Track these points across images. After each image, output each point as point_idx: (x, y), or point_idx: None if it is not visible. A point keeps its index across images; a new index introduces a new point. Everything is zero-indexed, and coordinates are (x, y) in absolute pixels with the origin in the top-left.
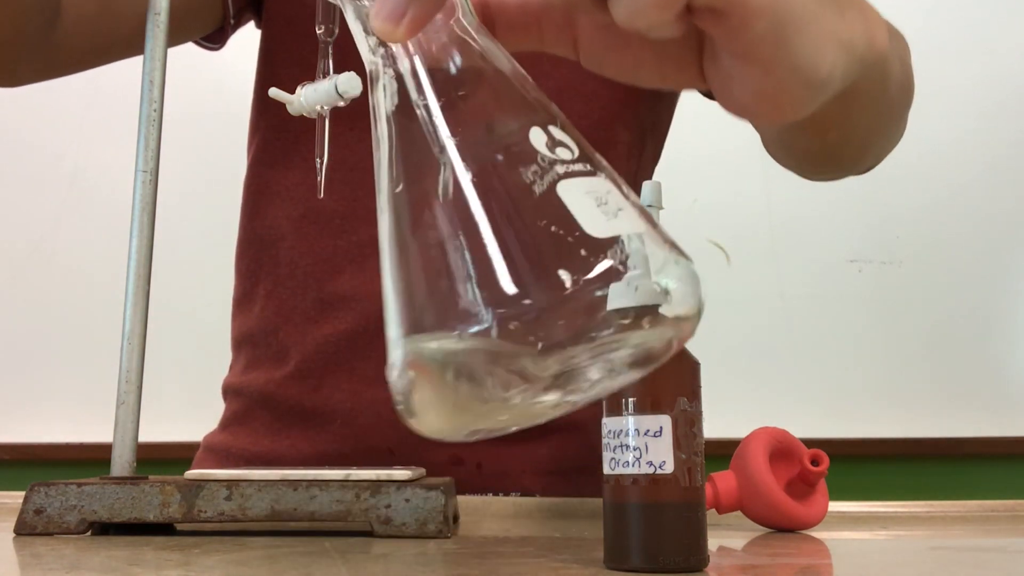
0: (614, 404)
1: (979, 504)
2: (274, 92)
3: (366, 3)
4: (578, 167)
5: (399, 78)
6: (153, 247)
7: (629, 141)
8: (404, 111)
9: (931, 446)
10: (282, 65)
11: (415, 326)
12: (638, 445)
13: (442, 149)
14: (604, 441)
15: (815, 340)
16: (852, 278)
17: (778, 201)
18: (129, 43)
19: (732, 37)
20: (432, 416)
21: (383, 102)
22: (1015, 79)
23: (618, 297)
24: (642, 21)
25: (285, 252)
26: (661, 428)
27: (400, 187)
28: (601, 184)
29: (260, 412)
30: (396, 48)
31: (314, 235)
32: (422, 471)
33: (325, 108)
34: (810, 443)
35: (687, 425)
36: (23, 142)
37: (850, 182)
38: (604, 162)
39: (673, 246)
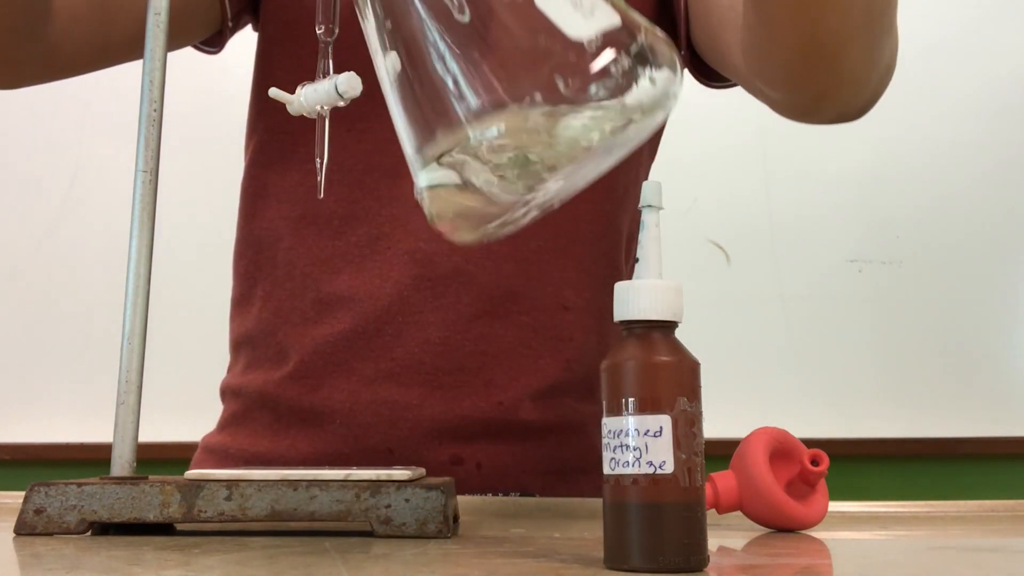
0: (614, 404)
1: (979, 504)
2: (274, 92)
3: None
4: None
5: None
6: (153, 247)
7: None
8: None
9: (931, 446)
10: (279, 67)
11: (426, 135)
12: (638, 445)
13: None
14: (604, 441)
15: (815, 340)
16: (852, 278)
17: (778, 201)
18: (127, 46)
19: None
20: (459, 224)
21: None
22: (1016, 79)
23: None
24: None
25: (283, 253)
26: (661, 428)
27: (390, 23)
28: None
29: (259, 413)
30: None
31: (312, 236)
32: (422, 471)
33: (325, 108)
34: (810, 443)
35: (687, 425)
36: (23, 142)
37: (850, 182)
38: None
39: (648, 30)
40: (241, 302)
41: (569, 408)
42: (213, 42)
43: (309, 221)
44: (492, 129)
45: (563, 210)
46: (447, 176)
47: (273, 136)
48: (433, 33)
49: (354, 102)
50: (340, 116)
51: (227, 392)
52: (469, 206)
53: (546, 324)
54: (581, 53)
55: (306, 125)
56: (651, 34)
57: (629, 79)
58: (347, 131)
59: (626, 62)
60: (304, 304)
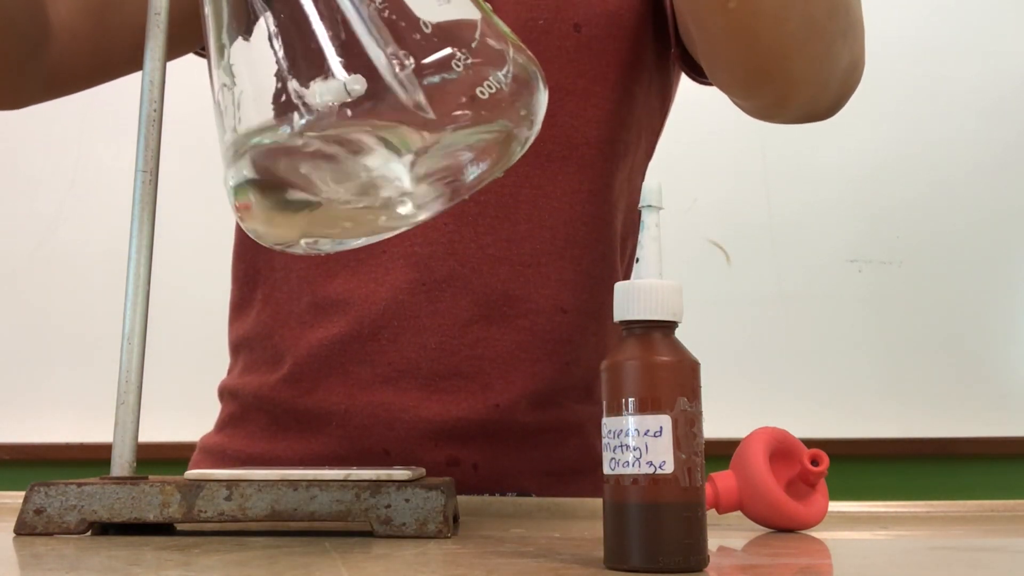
0: (614, 404)
1: (979, 504)
2: None
3: None
4: None
5: None
6: (153, 247)
7: (626, 139)
8: None
9: (931, 446)
10: None
11: (244, 124)
12: (638, 445)
13: None
14: (604, 441)
15: (815, 340)
16: (852, 278)
17: (778, 201)
18: (131, 59)
19: None
20: (262, 224)
21: None
22: (1015, 79)
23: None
24: None
25: (279, 257)
26: (661, 428)
27: None
28: None
29: (255, 414)
30: None
31: None
32: (422, 471)
33: None
34: (810, 443)
35: (687, 425)
36: (23, 142)
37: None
38: None
39: (510, 41)
40: (240, 305)
41: (567, 410)
42: None
43: None
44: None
45: (559, 212)
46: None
47: None
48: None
49: None
50: None
51: (225, 393)
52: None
53: (544, 327)
54: (425, 38)
55: None
56: (515, 45)
57: (474, 80)
58: None
59: (467, 60)
60: (300, 307)
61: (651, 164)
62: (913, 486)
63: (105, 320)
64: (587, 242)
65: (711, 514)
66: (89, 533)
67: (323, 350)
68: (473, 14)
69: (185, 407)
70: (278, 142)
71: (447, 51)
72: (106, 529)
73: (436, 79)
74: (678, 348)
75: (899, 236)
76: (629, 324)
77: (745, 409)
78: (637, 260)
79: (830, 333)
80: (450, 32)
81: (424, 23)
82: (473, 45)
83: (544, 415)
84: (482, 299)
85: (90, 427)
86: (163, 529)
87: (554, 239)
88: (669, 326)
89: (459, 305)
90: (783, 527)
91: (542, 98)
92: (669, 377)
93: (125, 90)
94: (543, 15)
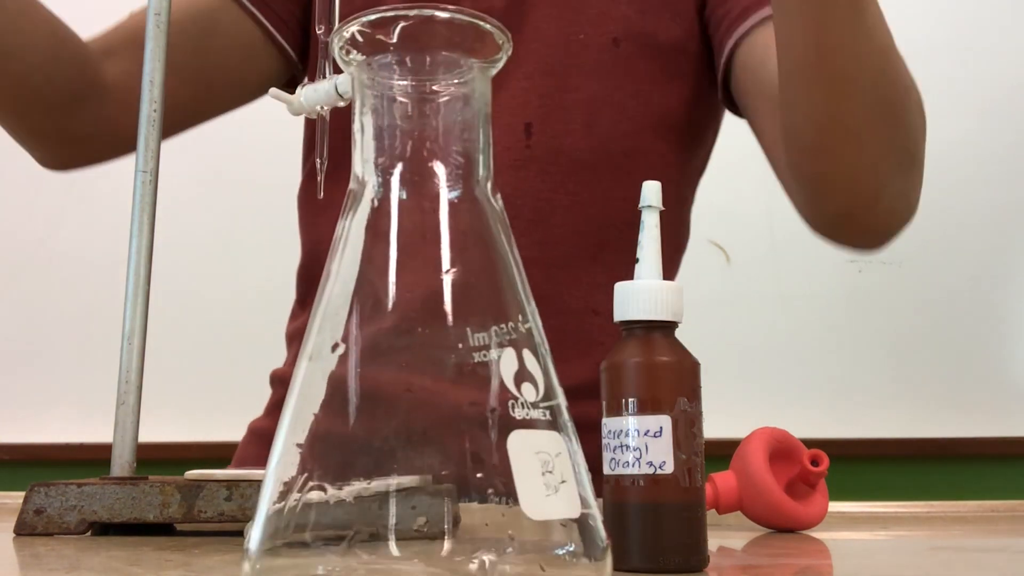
0: (614, 404)
1: (979, 504)
2: (274, 92)
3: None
4: (538, 413)
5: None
6: (153, 247)
7: (664, 151)
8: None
9: (931, 446)
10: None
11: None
12: (638, 445)
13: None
14: (604, 441)
15: (815, 340)
16: (852, 278)
17: (778, 201)
18: (221, 107)
19: None
20: None
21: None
22: (1016, 79)
23: None
24: None
25: None
26: (661, 428)
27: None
28: (553, 443)
29: None
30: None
31: None
32: (428, 478)
33: (325, 108)
34: (810, 443)
35: (687, 425)
36: None
37: None
38: (562, 397)
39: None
40: (301, 302)
41: (593, 408)
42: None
43: None
44: None
45: (593, 218)
46: None
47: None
48: None
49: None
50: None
51: (275, 379)
52: None
53: (575, 328)
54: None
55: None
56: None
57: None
58: None
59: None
60: None
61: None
62: (913, 486)
63: (105, 320)
64: (621, 248)
65: (711, 514)
66: (89, 533)
67: (371, 341)
68: (574, 509)
69: (185, 407)
70: None
71: None
72: (106, 529)
73: None
74: (678, 348)
75: (899, 236)
76: (629, 324)
77: (745, 409)
78: (637, 260)
79: (830, 333)
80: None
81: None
82: None
83: (573, 412)
84: None
85: (90, 427)
86: (163, 529)
87: (587, 244)
88: (669, 326)
89: None
90: (783, 527)
91: None
92: (669, 377)
93: None
94: (583, 30)
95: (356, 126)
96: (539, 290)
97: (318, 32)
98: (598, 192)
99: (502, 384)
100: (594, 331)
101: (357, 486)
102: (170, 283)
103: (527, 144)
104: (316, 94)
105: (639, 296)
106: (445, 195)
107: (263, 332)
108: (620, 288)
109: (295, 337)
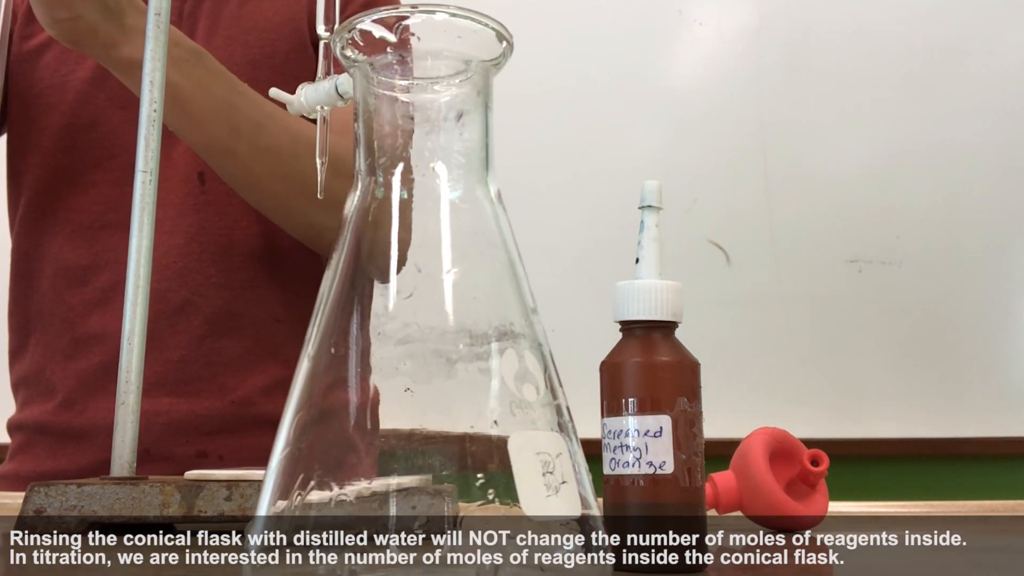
0: (614, 404)
1: (979, 504)
2: (274, 92)
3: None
4: (539, 414)
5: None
6: (153, 247)
7: None
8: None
9: (931, 446)
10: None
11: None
12: (638, 445)
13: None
14: (604, 441)
15: (815, 340)
16: (852, 278)
17: (778, 201)
18: None
19: None
20: None
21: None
22: (1016, 79)
23: None
24: None
25: (47, 306)
26: (661, 428)
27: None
28: (554, 443)
29: (39, 440)
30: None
31: (63, 288)
32: (428, 478)
33: (325, 108)
34: (810, 443)
35: (687, 425)
36: None
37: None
38: (563, 397)
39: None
40: (17, 352)
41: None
42: None
43: (61, 275)
44: None
45: (269, 243)
46: None
47: (35, 201)
48: None
49: (78, 156)
50: (66, 178)
51: (11, 428)
52: None
53: (264, 335)
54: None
55: (62, 187)
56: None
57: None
58: (78, 190)
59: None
60: (64, 344)
61: (651, 164)
62: (913, 486)
63: None
64: (295, 269)
65: (711, 514)
66: (89, 533)
67: (87, 377)
68: (575, 507)
69: None
70: None
71: None
72: (106, 529)
73: None
74: (678, 348)
75: (899, 236)
76: (629, 324)
77: (745, 409)
78: (637, 260)
79: (830, 333)
80: None
81: None
82: None
83: (278, 405)
84: (211, 318)
85: None
86: (163, 529)
87: (262, 268)
88: (669, 326)
89: (193, 325)
90: (783, 527)
91: None
92: (669, 377)
93: None
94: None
95: (357, 126)
96: (232, 309)
97: (318, 32)
98: (270, 224)
99: (503, 384)
100: (279, 335)
101: (357, 486)
102: None
103: (202, 191)
104: (316, 94)
105: (639, 296)
106: (446, 195)
107: None
108: (620, 288)
109: (20, 385)
